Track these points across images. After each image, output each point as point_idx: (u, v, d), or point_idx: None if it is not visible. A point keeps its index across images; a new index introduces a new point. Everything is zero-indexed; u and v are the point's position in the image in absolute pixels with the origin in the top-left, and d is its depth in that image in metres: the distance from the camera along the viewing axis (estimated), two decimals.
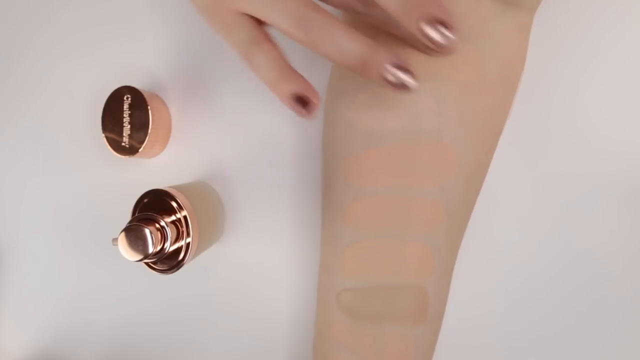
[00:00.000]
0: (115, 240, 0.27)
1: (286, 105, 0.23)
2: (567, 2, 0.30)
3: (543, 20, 0.29)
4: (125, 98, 0.33)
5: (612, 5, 0.30)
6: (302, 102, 0.23)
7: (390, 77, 0.22)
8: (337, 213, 0.29)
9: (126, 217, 0.30)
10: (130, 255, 0.27)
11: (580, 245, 0.31)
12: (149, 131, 0.33)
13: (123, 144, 0.33)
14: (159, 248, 0.27)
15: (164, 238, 0.28)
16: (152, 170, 0.36)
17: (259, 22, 0.24)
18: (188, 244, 0.29)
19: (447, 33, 0.21)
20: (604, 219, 0.31)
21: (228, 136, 0.35)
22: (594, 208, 0.31)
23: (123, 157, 0.33)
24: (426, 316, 0.29)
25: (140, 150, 0.33)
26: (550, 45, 0.30)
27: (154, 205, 0.29)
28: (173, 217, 0.29)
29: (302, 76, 0.24)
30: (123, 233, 0.27)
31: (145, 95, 0.33)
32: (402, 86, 0.22)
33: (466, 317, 0.33)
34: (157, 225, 0.28)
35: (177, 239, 0.29)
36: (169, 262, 0.30)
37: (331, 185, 0.30)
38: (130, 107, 0.33)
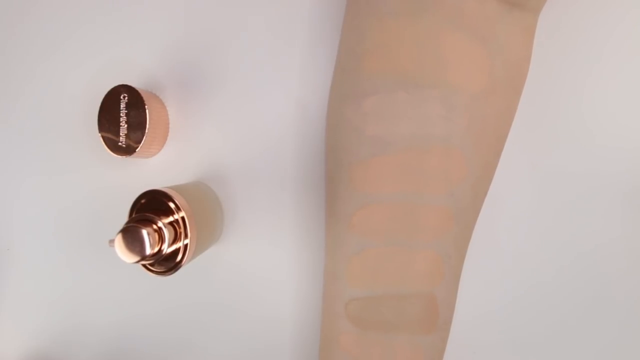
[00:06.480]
0: (111, 241, 0.27)
1: None
2: (571, 2, 0.30)
3: (546, 20, 0.29)
4: (122, 97, 0.32)
5: (616, 4, 0.29)
6: None
7: None
8: (342, 220, 0.29)
9: (123, 218, 0.29)
10: (127, 257, 0.26)
11: (585, 245, 0.31)
12: (146, 131, 0.32)
13: (120, 143, 0.33)
14: (156, 250, 0.27)
15: (161, 239, 0.27)
16: (149, 170, 0.36)
17: None
18: (186, 246, 0.29)
19: None
20: (609, 219, 0.30)
21: (227, 136, 0.35)
22: (598, 208, 0.30)
23: (120, 157, 0.33)
24: (436, 324, 0.29)
25: (137, 150, 0.32)
26: (553, 45, 0.30)
27: (151, 206, 0.29)
28: (171, 218, 0.29)
29: None
30: (120, 234, 0.26)
31: (143, 94, 0.32)
32: None
33: (467, 318, 0.32)
34: (155, 227, 0.27)
35: (174, 241, 0.29)
36: (166, 263, 0.29)
37: (336, 192, 0.29)
38: (127, 106, 0.32)
